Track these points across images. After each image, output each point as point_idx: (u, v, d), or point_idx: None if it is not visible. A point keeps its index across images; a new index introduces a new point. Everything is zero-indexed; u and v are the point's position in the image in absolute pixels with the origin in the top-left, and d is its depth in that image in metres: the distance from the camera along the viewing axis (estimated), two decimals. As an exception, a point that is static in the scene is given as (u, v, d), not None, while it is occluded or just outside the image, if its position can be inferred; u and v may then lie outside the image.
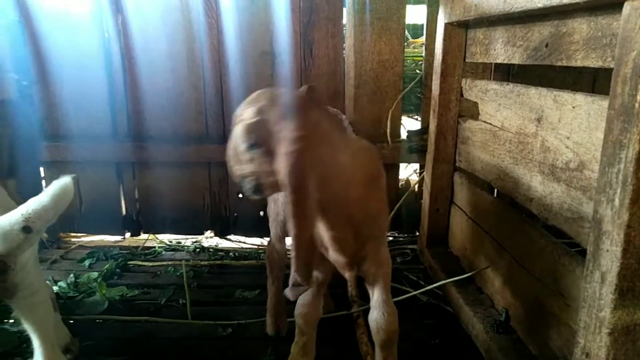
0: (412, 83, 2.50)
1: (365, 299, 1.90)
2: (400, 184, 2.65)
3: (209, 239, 2.71)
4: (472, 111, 1.92)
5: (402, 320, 1.80)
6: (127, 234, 2.68)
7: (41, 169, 2.58)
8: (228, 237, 2.71)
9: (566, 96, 1.26)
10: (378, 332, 1.33)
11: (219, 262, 2.38)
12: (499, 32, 1.65)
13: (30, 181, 2.25)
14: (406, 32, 2.58)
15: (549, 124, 1.34)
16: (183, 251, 2.53)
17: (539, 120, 1.40)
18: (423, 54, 2.52)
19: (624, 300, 0.91)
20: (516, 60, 1.53)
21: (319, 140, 1.03)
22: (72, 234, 2.72)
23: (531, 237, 1.46)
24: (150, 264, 2.35)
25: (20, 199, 1.16)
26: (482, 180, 1.88)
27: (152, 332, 1.78)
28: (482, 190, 1.91)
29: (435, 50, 2.08)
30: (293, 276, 1.05)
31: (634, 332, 0.93)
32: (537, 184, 1.41)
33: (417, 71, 2.63)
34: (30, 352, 1.61)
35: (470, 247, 1.97)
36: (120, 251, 2.47)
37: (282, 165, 0.99)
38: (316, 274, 1.37)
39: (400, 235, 2.66)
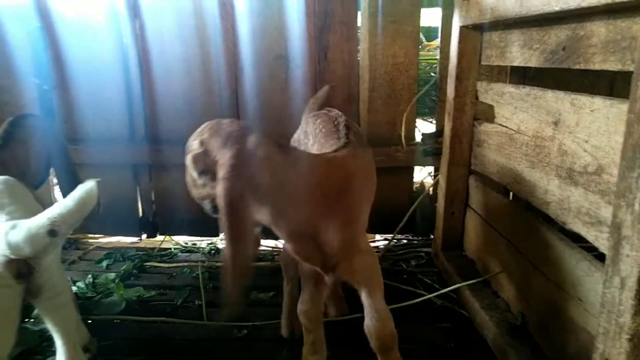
0: (427, 86, 2.50)
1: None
2: (414, 187, 2.65)
3: (223, 241, 2.73)
4: (487, 114, 1.91)
5: (416, 324, 1.81)
6: (144, 236, 2.72)
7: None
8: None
9: (584, 99, 1.25)
10: (371, 339, 1.34)
11: (234, 264, 2.39)
12: (515, 35, 1.64)
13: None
14: (420, 35, 2.57)
15: (567, 128, 1.33)
16: (199, 253, 2.56)
17: (556, 123, 1.39)
18: (437, 57, 2.51)
19: (644, 306, 0.91)
20: (533, 63, 1.52)
21: (258, 165, 1.13)
22: (90, 235, 2.76)
23: (548, 241, 1.44)
24: (167, 265, 2.38)
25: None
26: (498, 184, 1.87)
27: (168, 333, 1.80)
28: (498, 193, 1.90)
29: (451, 53, 2.07)
30: (225, 298, 1.12)
31: (655, 338, 0.92)
32: (554, 188, 1.40)
33: (432, 74, 2.62)
34: (51, 351, 1.64)
35: (486, 250, 1.96)
36: (137, 252, 2.51)
37: (217, 190, 1.10)
38: (309, 268, 1.38)
39: (415, 238, 2.65)
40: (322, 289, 1.46)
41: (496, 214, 1.87)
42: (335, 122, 1.55)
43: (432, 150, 2.43)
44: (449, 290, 1.93)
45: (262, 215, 1.21)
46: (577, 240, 1.33)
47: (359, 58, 2.44)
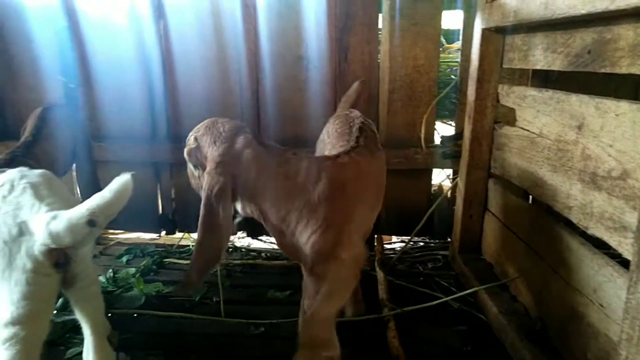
0: (447, 88, 2.49)
1: (396, 302, 1.91)
2: (432, 189, 2.64)
3: (241, 239, 2.76)
4: (508, 117, 1.90)
5: (433, 326, 1.81)
6: (163, 232, 2.76)
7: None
8: (260, 237, 2.75)
9: (609, 103, 1.24)
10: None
11: (251, 261, 2.42)
12: (539, 38, 1.63)
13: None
14: (441, 38, 2.57)
15: (591, 132, 1.32)
16: (216, 250, 2.58)
17: (579, 127, 1.38)
18: (458, 60, 2.50)
19: (669, 313, 0.89)
20: (556, 66, 1.51)
21: (244, 164, 1.24)
22: (111, 231, 2.81)
23: (569, 245, 1.43)
24: (185, 261, 2.41)
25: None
26: (517, 187, 1.86)
27: (186, 328, 1.83)
28: (517, 197, 1.88)
29: (472, 56, 2.06)
30: (185, 277, 1.26)
31: (679, 345, 0.91)
32: (577, 192, 1.39)
33: (452, 77, 2.61)
34: (73, 342, 1.69)
35: (504, 254, 1.94)
36: (156, 249, 2.55)
37: (202, 183, 1.23)
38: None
39: (432, 240, 2.64)
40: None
41: (515, 217, 1.86)
42: (351, 124, 1.56)
43: (451, 152, 2.42)
44: (466, 294, 1.92)
45: (250, 209, 1.31)
46: (597, 245, 1.32)
47: (379, 60, 2.44)
